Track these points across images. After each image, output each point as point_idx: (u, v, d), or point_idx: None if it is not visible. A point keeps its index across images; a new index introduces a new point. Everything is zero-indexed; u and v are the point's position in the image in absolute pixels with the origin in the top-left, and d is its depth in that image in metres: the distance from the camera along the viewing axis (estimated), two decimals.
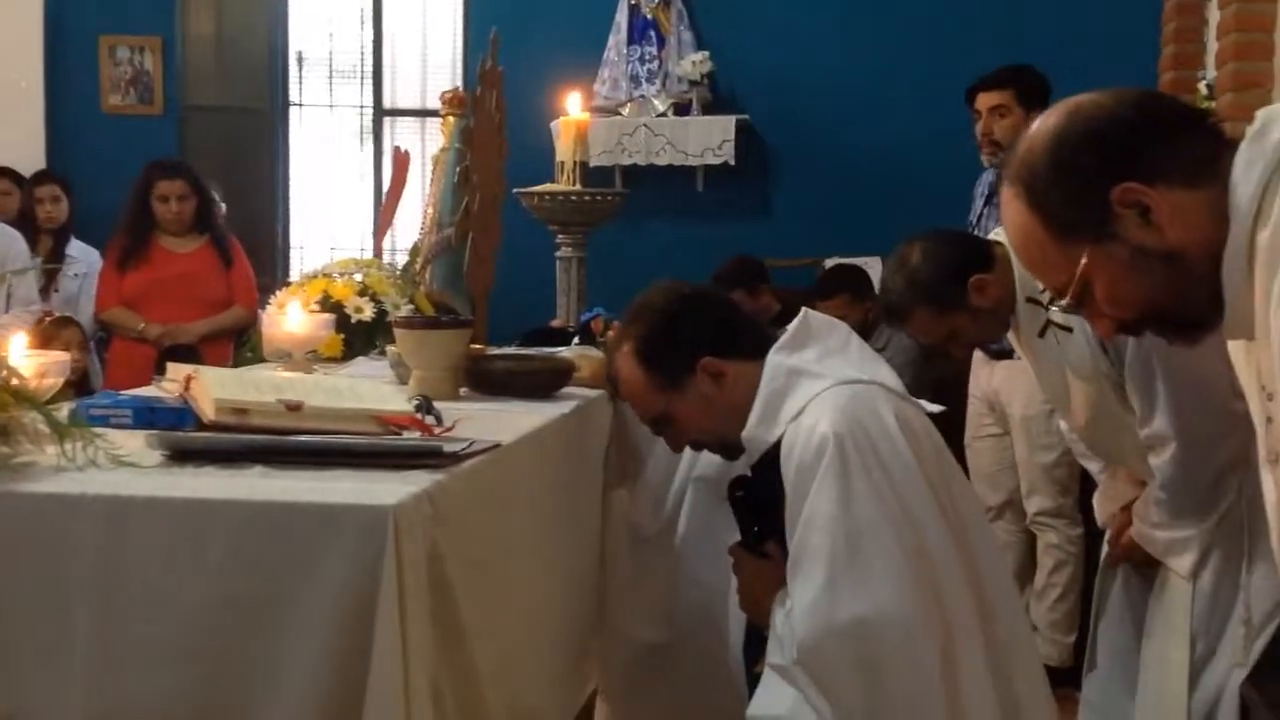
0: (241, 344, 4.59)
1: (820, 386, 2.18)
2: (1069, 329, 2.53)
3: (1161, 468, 2.56)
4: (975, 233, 4.04)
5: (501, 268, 3.06)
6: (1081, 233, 1.52)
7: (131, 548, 1.64)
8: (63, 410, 1.93)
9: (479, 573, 1.92)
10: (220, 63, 7.38)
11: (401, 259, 3.85)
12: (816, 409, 2.15)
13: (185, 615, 1.63)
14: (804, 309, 2.37)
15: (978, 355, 4.32)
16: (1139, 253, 1.50)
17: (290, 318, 2.97)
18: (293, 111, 7.46)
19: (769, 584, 2.22)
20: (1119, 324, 1.59)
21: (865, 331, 4.59)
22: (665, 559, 2.81)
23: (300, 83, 7.46)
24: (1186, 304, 1.53)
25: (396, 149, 3.65)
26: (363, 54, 7.42)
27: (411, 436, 2.07)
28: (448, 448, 1.93)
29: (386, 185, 4.08)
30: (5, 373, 1.86)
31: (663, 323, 2.35)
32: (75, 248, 5.88)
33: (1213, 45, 5.04)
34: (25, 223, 5.65)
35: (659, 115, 6.50)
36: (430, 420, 2.16)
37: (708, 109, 6.49)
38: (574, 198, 3.36)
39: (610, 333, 2.88)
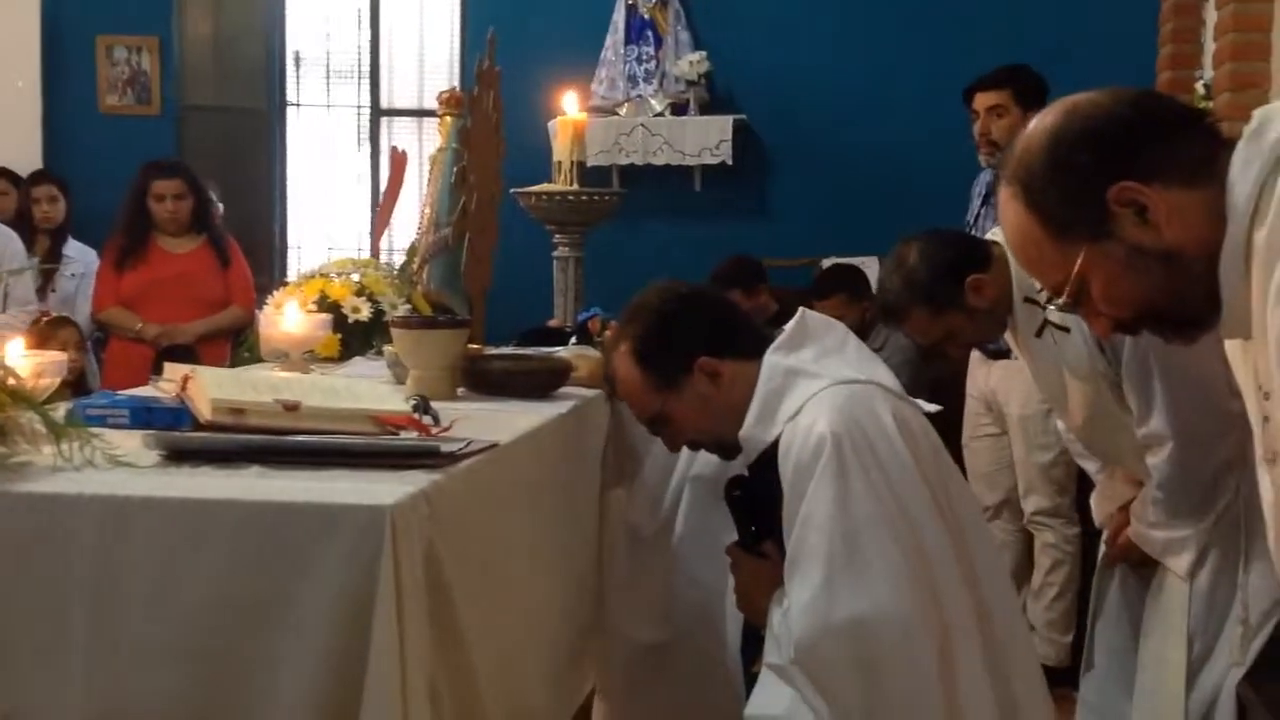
0: (239, 344, 4.59)
1: (817, 386, 2.19)
2: (1066, 329, 2.53)
3: (1159, 467, 2.56)
4: (972, 233, 4.04)
5: (499, 268, 3.06)
6: (1078, 232, 1.52)
7: (129, 548, 1.63)
8: (60, 410, 1.93)
9: (476, 573, 1.92)
10: (217, 63, 7.38)
11: (399, 259, 3.85)
12: (814, 409, 2.15)
13: (183, 615, 1.63)
14: (801, 309, 2.37)
15: (975, 355, 4.32)
16: (1136, 252, 1.50)
17: (287, 318, 2.96)
18: (290, 112, 7.46)
19: (766, 584, 2.22)
20: (1116, 323, 1.59)
21: (862, 331, 4.59)
22: (663, 559, 2.81)
23: (297, 83, 7.46)
24: (1183, 303, 1.53)
25: (394, 149, 3.65)
26: (360, 54, 7.42)
27: (409, 436, 2.07)
28: (445, 448, 1.93)
29: (384, 185, 4.08)
30: (2, 373, 1.86)
31: (659, 323, 2.35)
32: (72, 248, 5.88)
33: (1210, 45, 5.04)
34: (22, 223, 5.66)
35: (656, 115, 6.50)
36: (427, 420, 2.16)
37: (705, 109, 6.49)
38: (571, 198, 3.36)
39: (607, 332, 2.88)
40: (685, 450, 2.58)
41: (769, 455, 2.19)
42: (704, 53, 6.45)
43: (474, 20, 6.90)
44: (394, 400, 2.23)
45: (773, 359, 2.26)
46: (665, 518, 2.82)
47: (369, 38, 7.39)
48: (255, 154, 7.36)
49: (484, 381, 2.70)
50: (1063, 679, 3.47)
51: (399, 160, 3.61)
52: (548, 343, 3.17)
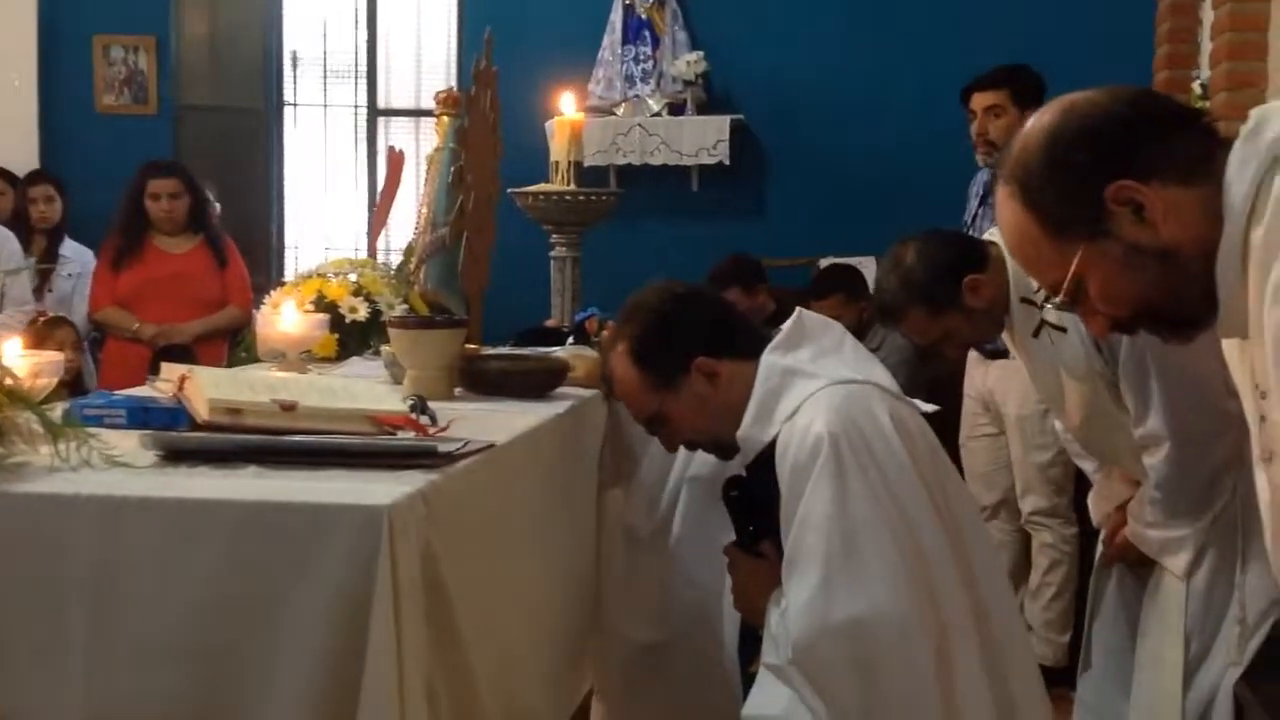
0: (236, 344, 4.58)
1: (815, 386, 2.19)
2: (1063, 329, 2.53)
3: (1156, 467, 2.56)
4: (970, 233, 4.04)
5: (496, 267, 3.05)
6: (1076, 230, 1.52)
7: (126, 548, 1.63)
8: (56, 410, 1.93)
9: (474, 573, 1.92)
10: (214, 62, 7.36)
11: (396, 259, 3.84)
12: (811, 409, 2.15)
13: (180, 615, 1.63)
14: (798, 309, 2.37)
15: (973, 355, 4.32)
16: (1133, 250, 1.50)
17: (285, 318, 2.96)
18: (287, 111, 7.45)
19: (764, 584, 2.22)
20: (1113, 322, 1.59)
21: (860, 331, 4.59)
22: (660, 559, 2.81)
23: (295, 82, 7.44)
24: (1180, 302, 1.53)
25: (391, 149, 3.65)
26: (357, 54, 7.40)
27: (406, 436, 2.07)
28: (442, 448, 1.93)
29: (381, 185, 4.07)
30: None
31: (657, 322, 2.35)
32: (69, 248, 5.86)
33: (1207, 45, 5.05)
34: (19, 223, 5.65)
35: (653, 115, 6.49)
36: (425, 420, 2.16)
37: (702, 109, 6.49)
38: (568, 197, 3.36)
39: (605, 332, 2.88)
40: (682, 450, 2.58)
41: (766, 455, 2.19)
42: (701, 53, 6.45)
43: (471, 20, 6.90)
44: (391, 400, 2.23)
45: (770, 359, 2.26)
46: (663, 518, 2.82)
47: (366, 37, 7.37)
48: (252, 154, 7.35)
49: (481, 381, 2.70)
50: (1060, 679, 3.47)
51: (396, 160, 3.61)
52: (545, 343, 3.17)
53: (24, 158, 6.43)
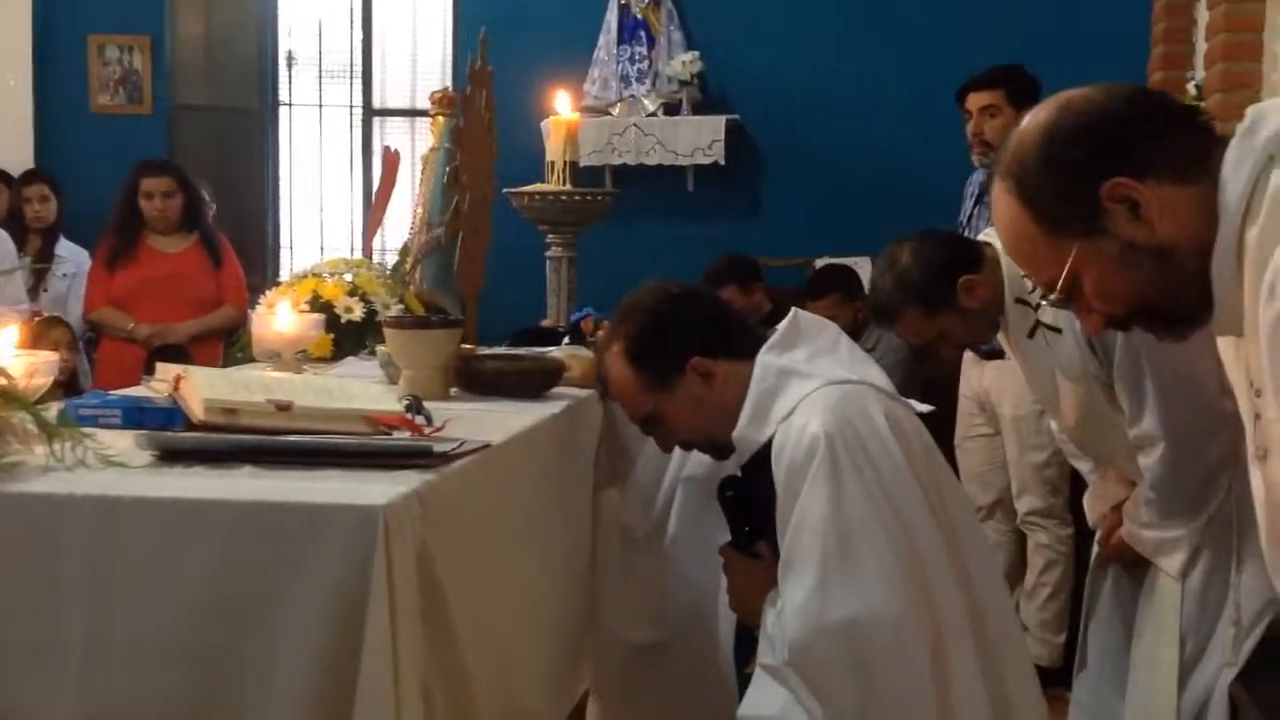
0: (231, 344, 4.57)
1: (810, 387, 2.19)
2: (1058, 330, 2.54)
3: (1151, 467, 2.56)
4: (965, 233, 4.05)
5: (491, 267, 3.05)
6: (1072, 227, 1.52)
7: (121, 548, 1.63)
8: (51, 410, 1.93)
9: (469, 573, 1.92)
10: (210, 62, 7.36)
11: (391, 259, 3.84)
12: (807, 409, 2.15)
13: (176, 615, 1.63)
14: (794, 309, 2.37)
15: (968, 355, 4.33)
16: (1129, 248, 1.50)
17: (280, 317, 2.96)
18: (282, 111, 7.44)
19: (759, 584, 2.22)
20: (1108, 319, 1.59)
21: (855, 331, 4.60)
22: (656, 559, 2.81)
23: (290, 82, 7.43)
24: (1176, 300, 1.53)
25: (386, 149, 3.65)
26: (352, 54, 7.40)
27: (401, 436, 2.07)
28: (438, 448, 1.93)
29: (376, 185, 4.08)
30: None
31: (652, 322, 2.35)
32: (64, 247, 5.86)
33: (1202, 46, 5.05)
34: (13, 222, 5.65)
35: (649, 115, 6.49)
36: (420, 420, 2.16)
37: (698, 109, 6.49)
38: (564, 197, 3.36)
39: (600, 332, 2.88)
40: (678, 451, 2.58)
41: (762, 455, 2.19)
42: (697, 53, 6.45)
43: (467, 20, 6.89)
44: (387, 400, 2.23)
45: (765, 359, 2.26)
46: (658, 518, 2.82)
47: (361, 37, 7.37)
48: (247, 154, 7.35)
49: (477, 381, 2.70)
50: (1056, 679, 3.48)
51: (391, 160, 3.61)
52: (541, 343, 3.17)
53: (19, 157, 6.43)
